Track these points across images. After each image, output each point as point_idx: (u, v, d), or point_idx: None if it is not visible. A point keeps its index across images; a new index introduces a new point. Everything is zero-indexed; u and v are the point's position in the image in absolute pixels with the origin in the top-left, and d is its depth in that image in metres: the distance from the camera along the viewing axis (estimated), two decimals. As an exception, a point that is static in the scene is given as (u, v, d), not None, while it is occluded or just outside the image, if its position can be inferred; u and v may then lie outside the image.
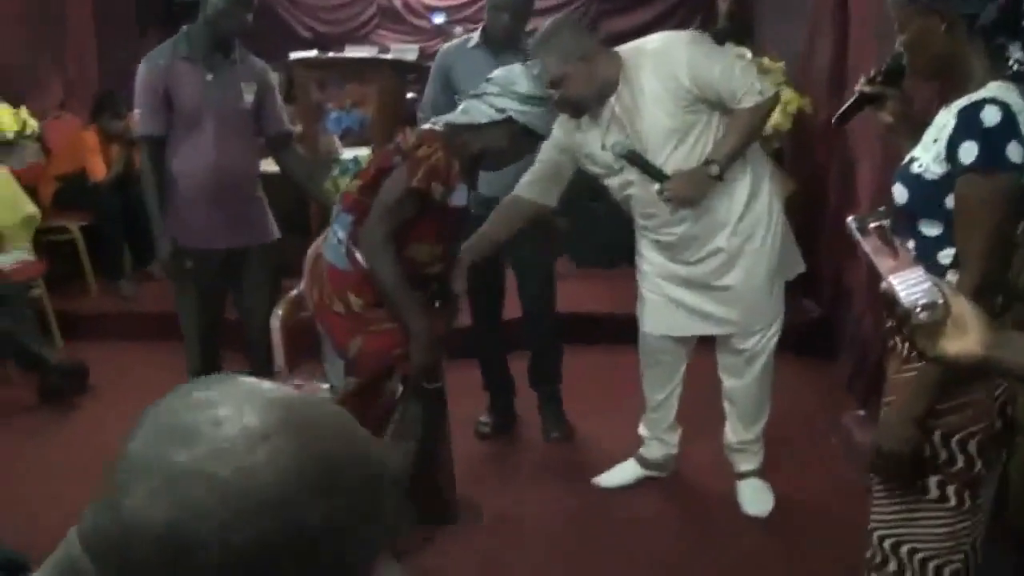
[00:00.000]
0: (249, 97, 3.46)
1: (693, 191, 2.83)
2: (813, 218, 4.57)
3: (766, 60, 4.82)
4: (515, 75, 2.64)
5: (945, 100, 1.79)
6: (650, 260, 3.06)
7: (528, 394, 3.82)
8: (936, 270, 1.70)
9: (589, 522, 3.16)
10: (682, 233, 2.94)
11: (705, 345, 3.16)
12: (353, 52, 5.49)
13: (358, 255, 2.61)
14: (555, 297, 3.73)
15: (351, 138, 5.57)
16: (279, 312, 3.14)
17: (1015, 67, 1.71)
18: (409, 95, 5.37)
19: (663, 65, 2.79)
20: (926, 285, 1.20)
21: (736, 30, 5.60)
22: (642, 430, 3.33)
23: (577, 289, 4.85)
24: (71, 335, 4.95)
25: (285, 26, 7.91)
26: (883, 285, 1.22)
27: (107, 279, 5.48)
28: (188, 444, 0.70)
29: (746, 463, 3.20)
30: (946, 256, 1.76)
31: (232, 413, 0.72)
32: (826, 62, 4.54)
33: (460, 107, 2.70)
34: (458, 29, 7.06)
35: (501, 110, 2.61)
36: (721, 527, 3.12)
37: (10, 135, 5.02)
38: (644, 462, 3.35)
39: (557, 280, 3.78)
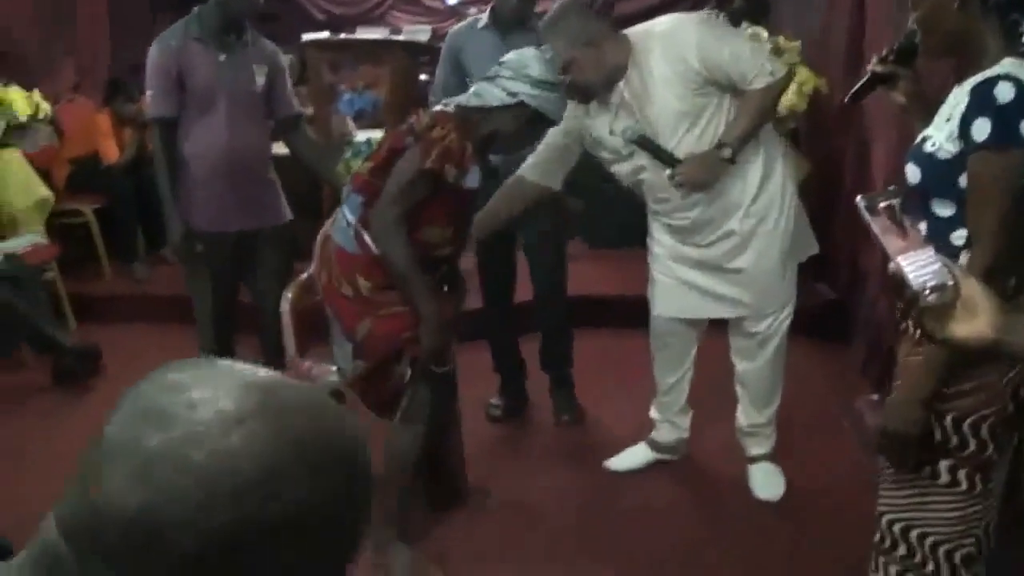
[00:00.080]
0: (261, 79, 3.45)
1: (705, 175, 2.80)
2: (828, 200, 4.53)
3: (782, 39, 4.77)
4: (528, 59, 2.62)
5: (959, 79, 1.76)
6: (662, 242, 3.04)
7: (540, 377, 3.81)
8: (949, 251, 1.68)
9: (599, 505, 3.15)
10: (695, 217, 2.92)
11: (717, 328, 3.15)
12: (365, 34, 5.44)
13: (367, 238, 2.60)
14: (566, 280, 3.71)
15: (364, 120, 5.57)
16: (289, 295, 3.15)
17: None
18: (422, 77, 5.35)
19: (672, 47, 2.76)
20: (935, 266, 1.17)
21: (752, 9, 5.53)
22: (653, 413, 3.32)
23: (590, 271, 4.84)
24: (85, 318, 4.98)
25: (299, 8, 7.92)
26: (891, 266, 1.20)
27: (120, 262, 5.50)
28: (162, 427, 0.70)
29: (757, 447, 3.18)
30: (959, 237, 1.73)
31: (207, 396, 0.71)
32: (843, 41, 4.49)
33: (472, 89, 2.68)
34: (472, 10, 7.02)
35: (513, 94, 2.59)
36: (732, 511, 3.10)
37: (23, 118, 5.02)
38: (655, 445, 3.34)
39: (569, 261, 3.76)
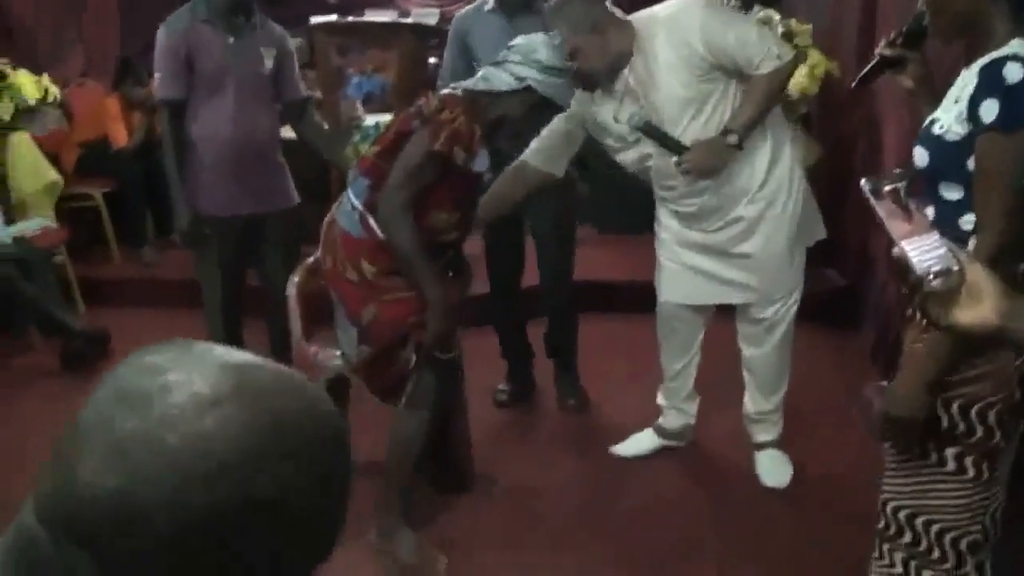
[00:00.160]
0: (269, 62, 3.45)
1: (712, 162, 2.78)
2: (839, 184, 4.50)
3: (794, 22, 4.72)
4: (536, 44, 2.61)
5: (969, 61, 1.73)
6: (668, 228, 3.02)
7: (547, 363, 3.80)
8: (957, 236, 1.66)
9: (605, 492, 3.15)
10: (702, 204, 2.90)
11: (725, 314, 3.13)
12: (374, 16, 5.43)
13: (372, 222, 2.59)
14: (573, 267, 3.69)
15: (373, 104, 5.55)
16: (295, 279, 3.14)
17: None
18: (431, 60, 5.32)
19: (676, 33, 2.73)
20: (940, 251, 1.15)
21: (764, -8, 5.48)
22: (660, 399, 3.30)
23: (599, 255, 4.82)
24: (94, 302, 4.98)
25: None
26: (895, 251, 1.18)
27: (129, 246, 5.50)
28: (137, 410, 0.69)
29: (764, 433, 3.16)
30: (968, 222, 1.70)
31: (182, 379, 0.71)
32: (854, 25, 4.45)
33: (480, 74, 2.68)
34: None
35: (521, 79, 2.58)
36: (738, 498, 3.09)
37: (32, 102, 5.02)
38: (662, 432, 3.33)
39: (578, 247, 3.74)
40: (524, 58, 2.59)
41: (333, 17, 5.53)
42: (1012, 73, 1.59)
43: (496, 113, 2.62)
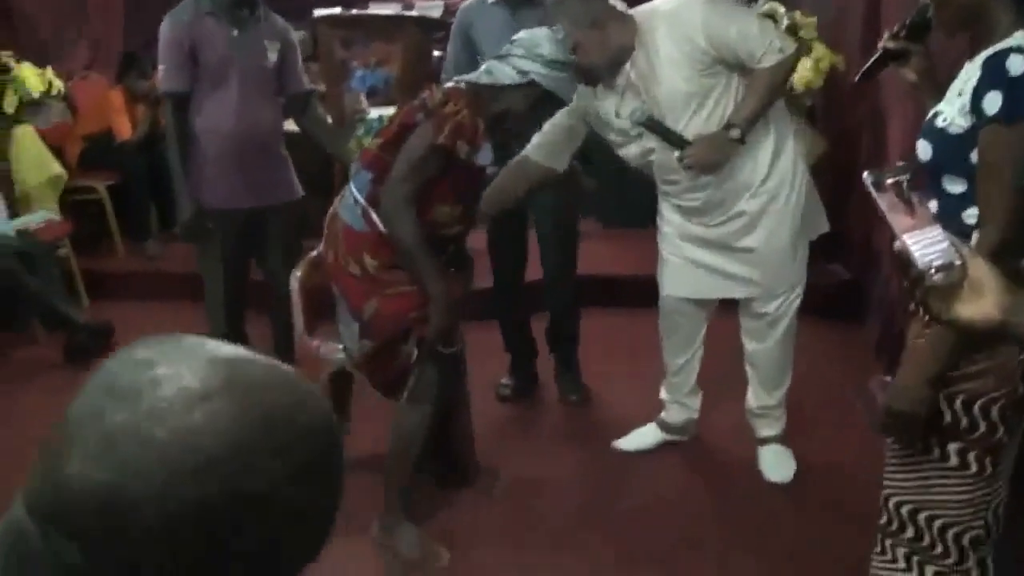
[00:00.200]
0: (273, 55, 3.44)
1: (714, 156, 2.77)
2: (844, 178, 4.48)
3: (798, 15, 4.69)
4: (540, 38, 2.60)
5: (973, 54, 1.72)
6: (671, 222, 3.02)
7: (550, 357, 3.79)
8: (961, 230, 1.65)
9: (608, 486, 3.14)
10: (706, 198, 2.89)
11: (729, 308, 3.12)
12: (378, 9, 5.39)
13: (374, 216, 2.58)
14: (576, 262, 3.68)
15: (377, 97, 5.53)
16: (298, 273, 3.14)
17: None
18: (435, 53, 5.30)
19: (678, 27, 2.72)
20: (942, 245, 1.14)
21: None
22: (663, 394, 3.29)
23: (602, 250, 4.82)
24: (98, 295, 4.98)
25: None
26: (897, 244, 1.17)
27: (133, 239, 5.50)
28: (127, 404, 0.69)
29: (768, 428, 3.15)
30: (971, 216, 1.69)
31: (172, 373, 0.70)
32: (859, 17, 4.43)
33: (483, 67, 2.67)
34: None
35: (524, 73, 2.57)
36: (741, 493, 3.08)
37: (36, 95, 5.01)
38: (665, 426, 3.32)
39: (581, 240, 3.73)
40: (528, 52, 2.58)
41: (337, 10, 5.50)
42: (1015, 65, 1.58)
43: (499, 107, 2.62)
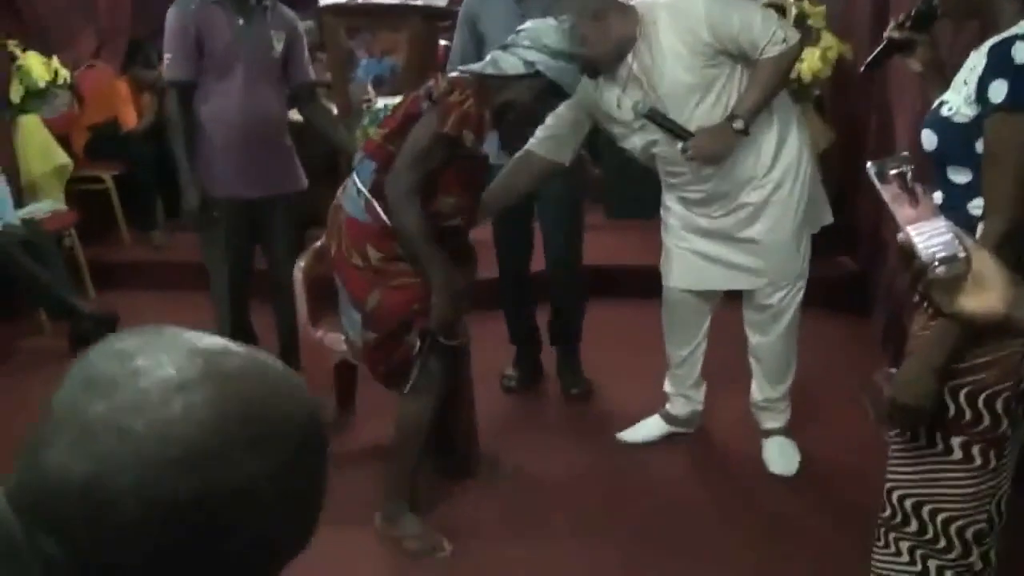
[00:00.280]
0: (279, 46, 3.44)
1: (718, 148, 2.75)
2: (852, 169, 4.46)
3: (807, 4, 4.67)
4: (546, 29, 2.58)
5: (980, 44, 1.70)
6: (675, 213, 3.00)
7: (553, 349, 3.78)
8: (966, 221, 1.63)
9: (612, 477, 3.13)
10: (710, 190, 2.87)
11: (733, 300, 3.10)
12: (383, -2, 5.37)
13: (377, 207, 2.57)
14: (580, 256, 3.66)
15: (383, 87, 5.51)
16: (301, 264, 3.13)
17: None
18: (442, 42, 5.28)
19: (680, 19, 2.70)
20: (946, 237, 1.12)
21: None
22: (667, 386, 3.28)
23: (608, 240, 4.80)
24: (104, 285, 4.99)
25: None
26: (900, 236, 1.15)
27: (139, 229, 5.51)
28: (104, 396, 0.68)
29: (772, 421, 3.14)
30: (976, 207, 1.67)
31: (150, 364, 0.70)
32: (868, 6, 4.40)
33: (488, 57, 2.65)
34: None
35: (530, 63, 2.55)
36: (746, 485, 3.07)
37: (42, 84, 5.02)
38: (669, 418, 3.31)
39: (587, 231, 3.71)
40: (533, 42, 2.56)
41: (343, -1, 5.48)
42: (1021, 53, 1.56)
43: (504, 97, 2.60)
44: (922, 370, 1.72)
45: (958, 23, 1.76)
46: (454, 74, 2.66)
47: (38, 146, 4.97)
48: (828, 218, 3.02)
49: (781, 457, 3.11)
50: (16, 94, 4.95)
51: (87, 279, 4.95)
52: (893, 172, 1.22)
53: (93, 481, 0.66)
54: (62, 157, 5.08)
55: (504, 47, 2.62)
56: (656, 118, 2.75)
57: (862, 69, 2.12)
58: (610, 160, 3.66)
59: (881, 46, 2.00)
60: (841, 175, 4.63)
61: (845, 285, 4.41)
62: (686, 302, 3.09)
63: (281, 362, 0.77)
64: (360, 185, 2.61)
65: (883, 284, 4.13)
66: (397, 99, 4.80)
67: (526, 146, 2.99)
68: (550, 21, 2.62)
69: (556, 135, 2.98)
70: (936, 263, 1.11)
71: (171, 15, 3.34)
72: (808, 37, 4.32)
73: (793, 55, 2.75)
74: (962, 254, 1.11)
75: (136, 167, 5.45)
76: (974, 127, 1.64)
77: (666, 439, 3.31)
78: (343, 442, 3.29)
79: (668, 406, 3.30)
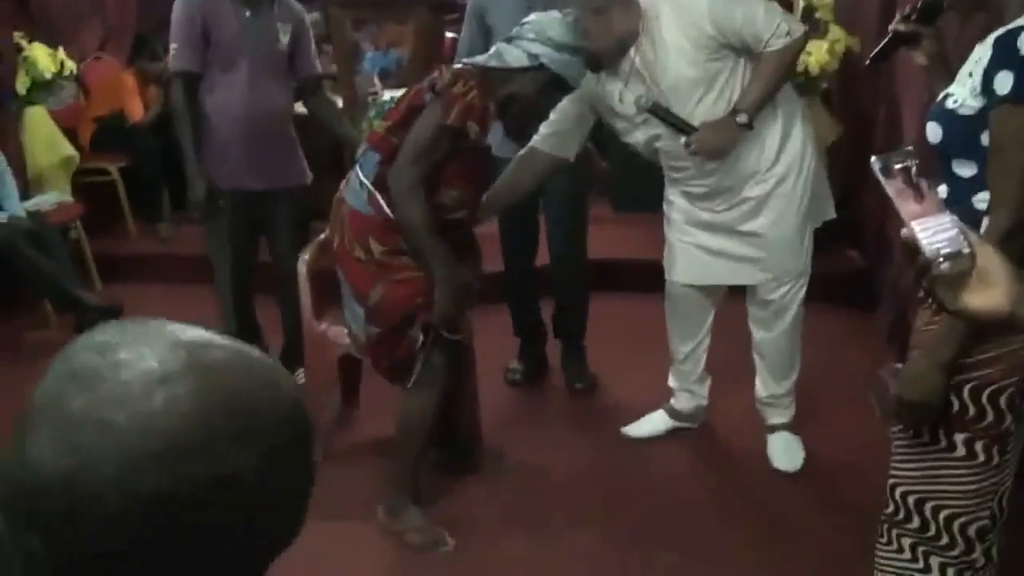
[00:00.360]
0: (285, 38, 3.42)
1: (721, 142, 2.73)
2: (859, 163, 4.43)
3: (814, -3, 4.65)
4: (550, 22, 2.57)
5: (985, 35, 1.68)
6: (678, 207, 2.99)
7: (557, 343, 3.77)
8: (971, 215, 1.61)
9: (616, 472, 3.13)
10: (713, 184, 2.86)
11: (737, 296, 3.09)
12: (390, -11, 5.36)
13: (380, 200, 2.56)
14: (584, 248, 3.65)
15: (389, 80, 5.50)
16: (305, 257, 3.13)
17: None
18: (448, 35, 5.27)
19: (683, 13, 2.69)
20: (951, 233, 1.11)
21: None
22: (671, 381, 3.27)
23: (613, 234, 4.78)
24: (110, 277, 4.99)
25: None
26: (904, 232, 1.14)
27: (146, 221, 5.51)
28: (86, 389, 0.68)
29: (777, 416, 3.13)
30: (982, 200, 1.66)
31: (132, 356, 0.69)
32: None
33: (493, 50, 2.64)
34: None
35: (534, 56, 2.54)
36: (750, 481, 3.06)
37: (48, 76, 5.01)
38: (674, 413, 3.30)
39: (592, 225, 3.70)
40: (538, 35, 2.55)
41: (349, -9, 5.46)
42: None
43: (508, 90, 2.59)
44: (928, 366, 1.71)
45: (964, 16, 1.74)
46: (457, 66, 2.64)
47: (44, 138, 4.97)
48: (831, 213, 3.00)
49: (785, 453, 3.10)
50: (22, 86, 4.94)
51: (93, 271, 4.94)
52: (898, 167, 1.21)
53: (75, 474, 0.65)
54: (68, 149, 5.08)
55: (508, 39, 2.61)
56: (659, 113, 2.74)
57: (868, 62, 2.11)
58: (615, 154, 3.64)
59: (886, 39, 1.98)
60: (848, 169, 4.61)
61: (850, 280, 4.39)
62: (689, 297, 3.08)
63: (265, 354, 0.76)
64: (363, 178, 2.61)
65: (888, 280, 4.11)
66: (403, 91, 4.81)
67: (530, 143, 2.97)
68: (555, 14, 2.61)
69: (560, 131, 2.96)
70: (940, 259, 1.10)
71: (178, 5, 3.34)
72: (816, 30, 4.29)
73: (797, 48, 2.73)
74: (967, 250, 1.10)
75: (142, 159, 5.44)
76: (979, 119, 1.63)
77: (670, 434, 3.30)
78: (347, 436, 3.29)
79: (672, 401, 3.29)
